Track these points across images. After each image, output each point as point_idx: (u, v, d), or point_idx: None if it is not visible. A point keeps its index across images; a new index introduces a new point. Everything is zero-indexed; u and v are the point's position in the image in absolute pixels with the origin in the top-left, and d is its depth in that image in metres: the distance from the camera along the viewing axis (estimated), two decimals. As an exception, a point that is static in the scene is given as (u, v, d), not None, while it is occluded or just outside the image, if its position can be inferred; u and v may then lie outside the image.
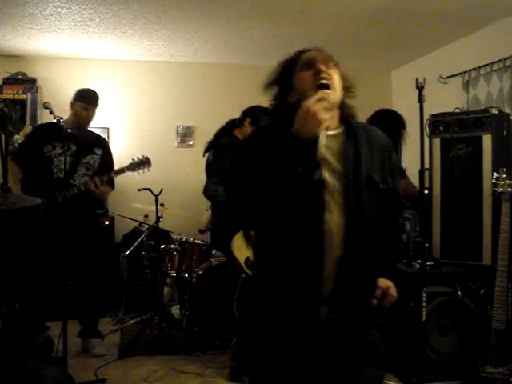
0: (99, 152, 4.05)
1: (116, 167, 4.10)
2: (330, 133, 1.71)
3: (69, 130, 3.57)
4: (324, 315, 1.71)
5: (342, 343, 1.76)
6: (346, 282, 1.70)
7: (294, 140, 1.61)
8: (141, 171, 4.00)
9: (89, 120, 4.02)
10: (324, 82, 1.68)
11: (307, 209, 1.67)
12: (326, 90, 1.65)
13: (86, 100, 3.97)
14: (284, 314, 1.73)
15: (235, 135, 3.72)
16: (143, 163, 3.98)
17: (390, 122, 4.02)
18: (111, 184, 4.05)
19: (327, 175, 1.70)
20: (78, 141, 3.90)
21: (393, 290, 1.83)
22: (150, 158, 4.05)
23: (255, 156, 1.70)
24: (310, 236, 1.67)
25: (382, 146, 1.84)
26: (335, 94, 1.70)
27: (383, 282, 1.81)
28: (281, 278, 1.73)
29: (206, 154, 3.91)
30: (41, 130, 4.09)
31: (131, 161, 3.98)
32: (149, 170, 4.02)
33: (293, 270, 1.70)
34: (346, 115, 1.80)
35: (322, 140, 1.63)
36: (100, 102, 4.09)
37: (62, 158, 3.80)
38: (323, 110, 1.59)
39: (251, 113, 3.73)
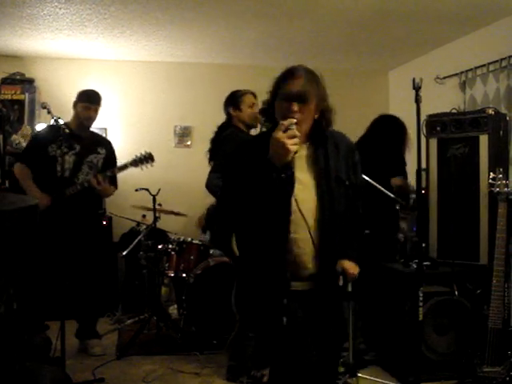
0: (102, 152, 4.07)
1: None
2: (298, 153, 2.05)
3: (66, 131, 3.59)
4: (307, 287, 2.12)
5: (323, 310, 2.17)
6: (323, 261, 2.10)
7: (264, 169, 1.97)
8: (144, 167, 4.01)
9: (91, 119, 4.03)
10: (291, 125, 1.97)
11: (279, 203, 2.04)
12: (292, 120, 1.97)
13: (88, 99, 3.99)
14: (268, 288, 2.09)
15: (235, 125, 3.71)
16: (146, 159, 4.01)
17: (393, 132, 4.07)
18: (114, 182, 4.07)
19: (302, 176, 2.09)
20: (81, 141, 3.95)
21: (353, 268, 2.18)
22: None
23: (244, 163, 2.08)
24: (280, 220, 2.05)
25: (347, 148, 2.22)
26: (305, 126, 2.07)
27: (342, 263, 2.15)
28: (259, 259, 2.12)
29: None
30: (46, 131, 4.11)
31: (134, 157, 3.99)
32: (152, 166, 4.04)
33: (269, 250, 2.08)
34: (320, 130, 2.15)
35: (294, 162, 2.04)
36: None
37: (67, 158, 3.85)
38: (290, 140, 1.93)
39: (228, 102, 3.73)
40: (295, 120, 1.98)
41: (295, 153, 1.99)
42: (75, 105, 4.03)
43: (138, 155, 4.01)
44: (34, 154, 3.93)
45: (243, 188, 2.04)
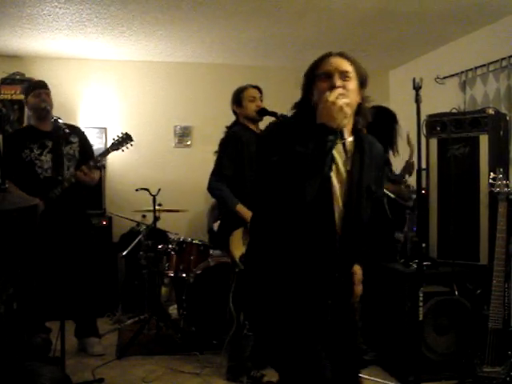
0: (75, 140, 3.98)
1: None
2: (349, 139, 1.93)
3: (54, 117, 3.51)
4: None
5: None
6: (343, 255, 1.95)
7: (318, 134, 1.78)
8: (125, 148, 3.94)
9: (46, 103, 3.82)
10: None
11: (320, 198, 1.85)
12: (340, 90, 1.83)
13: (35, 86, 3.91)
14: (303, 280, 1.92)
15: (241, 123, 3.71)
16: (125, 140, 3.93)
17: (382, 119, 4.04)
18: (98, 168, 4.00)
19: (334, 178, 1.91)
20: (51, 136, 3.83)
21: (358, 273, 2.08)
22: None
23: (279, 145, 1.84)
24: (324, 219, 1.89)
25: (379, 159, 2.08)
26: (351, 103, 1.85)
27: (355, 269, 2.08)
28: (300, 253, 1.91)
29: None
30: (13, 138, 3.98)
31: (112, 140, 3.93)
32: (132, 145, 3.96)
33: (314, 245, 1.90)
34: (359, 125, 1.98)
35: (346, 135, 1.89)
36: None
37: (43, 158, 3.80)
38: (345, 105, 1.79)
39: (231, 101, 3.72)
40: (341, 90, 1.84)
41: (342, 138, 1.86)
42: (26, 101, 3.94)
43: (116, 138, 3.93)
44: (10, 163, 3.74)
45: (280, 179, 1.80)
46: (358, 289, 2.08)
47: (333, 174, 1.89)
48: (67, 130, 3.53)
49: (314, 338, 1.91)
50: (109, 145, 3.98)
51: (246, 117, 3.66)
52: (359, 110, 1.95)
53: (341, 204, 1.92)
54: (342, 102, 1.78)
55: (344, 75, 1.89)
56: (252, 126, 3.67)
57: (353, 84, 1.91)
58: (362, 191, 1.94)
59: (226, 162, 3.54)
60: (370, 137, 2.07)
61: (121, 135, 3.95)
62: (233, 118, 3.79)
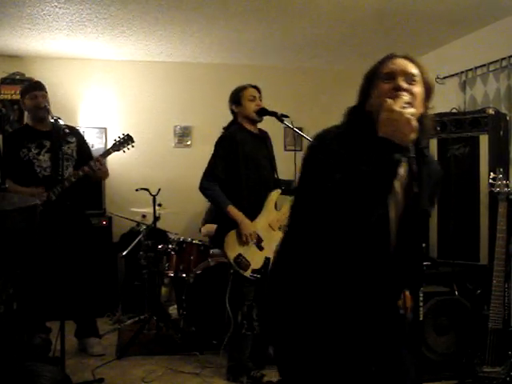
0: (73, 140, 3.99)
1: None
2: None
3: (54, 119, 3.51)
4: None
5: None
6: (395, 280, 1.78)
7: (380, 147, 1.55)
8: (126, 149, 3.97)
9: (42, 105, 3.81)
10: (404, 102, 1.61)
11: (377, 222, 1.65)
12: (407, 96, 1.62)
13: (32, 88, 3.90)
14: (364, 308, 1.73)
15: (239, 123, 3.69)
16: (126, 141, 3.96)
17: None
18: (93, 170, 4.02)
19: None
20: (48, 136, 3.84)
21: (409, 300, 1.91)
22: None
23: (339, 160, 1.61)
24: (379, 245, 1.70)
25: (437, 179, 1.87)
26: (416, 109, 1.64)
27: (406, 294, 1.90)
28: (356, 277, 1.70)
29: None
30: (10, 138, 4.01)
31: (113, 141, 3.96)
32: (133, 147, 3.99)
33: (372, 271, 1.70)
34: (422, 135, 1.70)
35: (411, 151, 1.64)
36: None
37: (41, 157, 3.81)
38: (413, 117, 1.56)
39: (230, 100, 3.69)
40: (407, 97, 1.62)
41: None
42: (23, 103, 3.94)
43: (118, 139, 3.96)
44: (9, 162, 3.78)
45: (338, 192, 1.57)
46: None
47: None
48: (67, 130, 3.55)
49: None
50: (110, 145, 3.99)
51: (246, 116, 3.63)
52: (421, 123, 1.66)
53: (394, 229, 1.72)
54: (408, 111, 1.56)
55: (410, 78, 1.68)
56: (249, 127, 3.64)
57: (419, 89, 1.69)
58: (418, 215, 1.74)
59: (218, 162, 3.51)
60: (429, 154, 1.86)
61: (122, 136, 3.97)
62: (230, 116, 3.79)
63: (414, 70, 1.70)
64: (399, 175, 1.62)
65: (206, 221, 4.98)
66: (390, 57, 1.74)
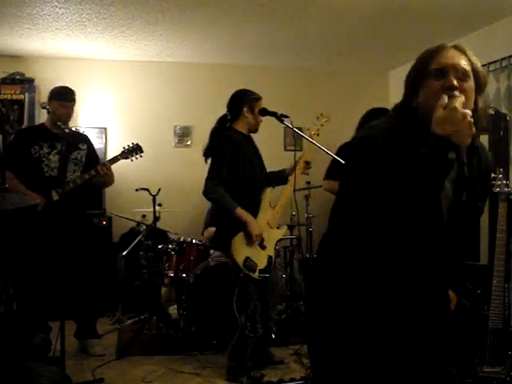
0: (84, 147, 4.06)
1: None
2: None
3: (59, 123, 3.59)
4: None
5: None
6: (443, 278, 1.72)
7: (436, 144, 1.46)
8: (134, 158, 4.02)
9: (69, 117, 3.96)
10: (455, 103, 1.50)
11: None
12: (462, 97, 1.53)
13: (64, 97, 3.93)
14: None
15: (234, 128, 3.68)
16: (135, 150, 4.01)
17: (374, 117, 4.00)
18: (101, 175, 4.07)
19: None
20: (61, 139, 3.88)
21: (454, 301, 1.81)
22: (145, 154, 4.09)
23: (389, 156, 1.54)
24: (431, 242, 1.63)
25: (488, 170, 1.79)
26: (467, 107, 1.53)
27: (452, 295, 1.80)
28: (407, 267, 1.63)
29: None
30: (24, 133, 4.09)
31: (122, 149, 4.00)
32: (141, 156, 4.05)
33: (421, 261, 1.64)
34: (476, 130, 1.55)
35: (463, 153, 1.54)
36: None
37: (51, 157, 3.84)
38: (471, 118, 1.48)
39: (244, 101, 3.65)
40: (463, 98, 1.52)
41: None
42: (50, 102, 3.93)
43: (127, 147, 4.01)
44: (18, 156, 3.85)
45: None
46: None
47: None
48: (80, 145, 3.78)
49: None
50: (119, 152, 4.02)
51: (250, 125, 3.64)
52: (474, 112, 1.56)
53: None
54: (469, 114, 1.47)
55: (462, 73, 1.59)
56: (245, 130, 3.66)
57: (471, 85, 1.60)
58: (469, 210, 1.69)
59: (224, 166, 3.49)
60: (480, 145, 1.74)
61: (131, 145, 4.02)
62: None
63: (465, 64, 1.61)
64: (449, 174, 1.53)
65: (209, 224, 4.97)
66: (440, 49, 1.66)
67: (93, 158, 4.12)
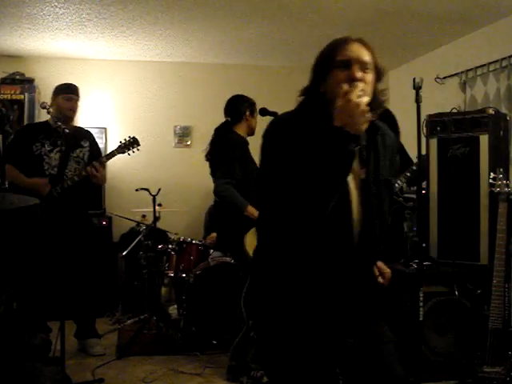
0: (86, 144, 4.03)
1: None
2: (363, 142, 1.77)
3: (59, 123, 3.55)
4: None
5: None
6: (362, 254, 1.83)
7: (337, 141, 1.62)
8: (131, 152, 3.99)
9: (74, 111, 3.95)
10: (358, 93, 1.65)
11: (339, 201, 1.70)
12: (360, 84, 1.68)
13: (68, 90, 3.93)
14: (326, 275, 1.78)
15: (236, 132, 3.73)
16: (131, 144, 3.97)
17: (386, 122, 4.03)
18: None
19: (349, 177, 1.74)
20: (65, 136, 3.84)
21: (385, 270, 1.96)
22: (145, 155, 4.08)
23: (297, 141, 1.69)
24: (342, 222, 1.76)
25: (393, 146, 1.94)
26: (368, 100, 1.68)
27: (379, 264, 1.95)
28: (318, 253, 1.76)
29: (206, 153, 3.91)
30: (27, 130, 4.09)
31: (119, 143, 3.98)
32: (138, 150, 4.00)
33: (332, 246, 1.76)
34: (374, 114, 1.74)
35: (363, 138, 1.70)
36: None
37: (52, 155, 3.84)
38: (366, 106, 1.62)
39: (245, 105, 3.76)
40: (362, 86, 1.68)
41: None
42: (54, 99, 3.95)
43: (123, 141, 3.98)
44: (19, 152, 3.85)
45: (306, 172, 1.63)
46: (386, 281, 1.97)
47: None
48: (82, 143, 3.75)
49: (325, 356, 1.78)
50: (115, 147, 4.01)
51: (250, 129, 3.74)
52: (373, 104, 1.72)
53: (357, 201, 1.78)
54: (363, 101, 1.62)
55: (364, 66, 1.75)
56: (244, 134, 3.76)
57: (371, 76, 1.77)
58: (381, 185, 1.83)
59: (236, 165, 3.60)
60: (382, 125, 1.91)
61: (128, 139, 3.99)
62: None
63: (367, 57, 1.77)
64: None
65: (209, 228, 4.99)
66: (345, 41, 1.80)
67: (96, 155, 4.07)
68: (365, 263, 1.86)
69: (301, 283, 1.76)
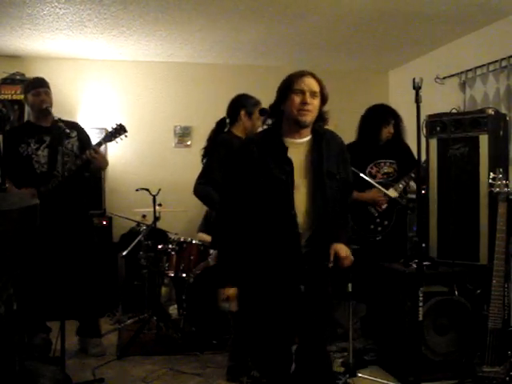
0: (74, 134, 3.96)
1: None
2: (299, 140, 2.51)
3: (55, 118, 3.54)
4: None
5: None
6: (315, 239, 2.51)
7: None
8: (119, 139, 3.91)
9: (47, 102, 3.84)
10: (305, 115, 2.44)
11: (281, 193, 2.42)
12: (311, 107, 2.44)
13: (34, 85, 3.88)
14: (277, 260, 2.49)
15: (233, 132, 3.69)
16: (118, 131, 3.89)
17: (372, 113, 4.04)
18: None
19: (296, 171, 2.44)
20: (49, 131, 3.83)
21: (343, 250, 2.52)
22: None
23: (251, 159, 2.47)
24: (286, 213, 2.42)
25: (337, 145, 2.60)
26: (313, 115, 2.46)
27: (334, 246, 2.52)
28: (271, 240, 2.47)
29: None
30: (11, 133, 3.96)
31: (105, 131, 3.95)
32: (126, 137, 3.93)
33: (280, 234, 2.45)
34: (318, 126, 2.53)
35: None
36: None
37: (40, 152, 3.81)
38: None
39: (242, 105, 3.67)
40: (311, 107, 2.43)
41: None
42: (26, 99, 3.93)
43: (110, 129, 3.91)
44: (7, 158, 3.75)
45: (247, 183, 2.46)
46: (347, 261, 2.53)
47: (295, 167, 2.43)
48: (67, 130, 3.57)
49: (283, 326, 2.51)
50: (103, 136, 3.95)
51: (246, 129, 3.65)
52: (319, 118, 2.50)
53: (304, 186, 2.45)
54: (309, 119, 2.47)
55: (313, 94, 2.42)
56: (241, 135, 3.67)
57: (318, 101, 2.45)
58: (323, 174, 2.45)
59: (215, 166, 3.50)
60: (329, 132, 2.58)
61: (115, 126, 3.91)
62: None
63: (316, 88, 2.44)
64: (290, 159, 2.45)
65: (200, 229, 5.00)
66: (301, 75, 2.47)
67: (85, 143, 4.00)
68: (311, 239, 2.48)
69: (259, 254, 2.50)
